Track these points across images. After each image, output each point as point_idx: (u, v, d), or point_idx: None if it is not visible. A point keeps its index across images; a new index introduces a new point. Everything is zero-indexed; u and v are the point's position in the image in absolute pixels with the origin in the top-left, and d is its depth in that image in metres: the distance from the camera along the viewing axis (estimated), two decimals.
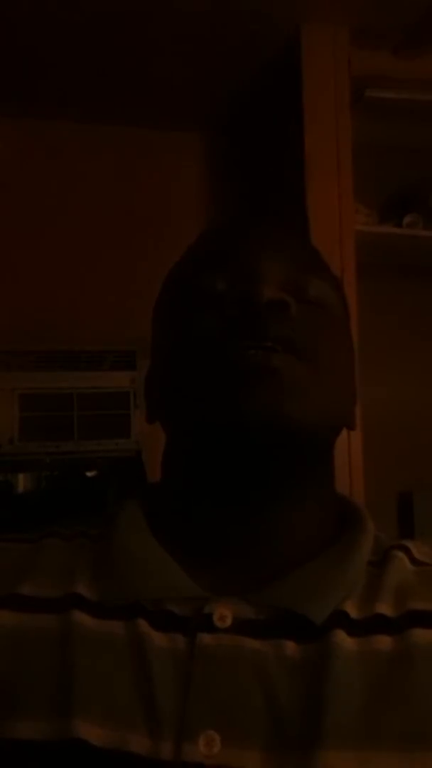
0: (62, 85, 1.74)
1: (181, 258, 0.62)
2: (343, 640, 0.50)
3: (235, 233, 0.60)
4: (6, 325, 1.67)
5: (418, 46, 1.61)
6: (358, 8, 1.52)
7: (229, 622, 0.50)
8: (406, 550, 0.57)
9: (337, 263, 1.48)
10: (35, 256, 1.78)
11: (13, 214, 1.80)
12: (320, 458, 0.57)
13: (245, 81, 1.72)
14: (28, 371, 1.65)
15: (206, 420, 0.52)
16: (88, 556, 0.57)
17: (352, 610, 0.52)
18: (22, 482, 1.69)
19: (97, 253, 1.81)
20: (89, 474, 1.70)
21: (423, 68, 1.65)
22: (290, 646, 0.50)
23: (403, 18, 1.53)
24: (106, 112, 1.85)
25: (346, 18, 1.56)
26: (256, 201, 1.75)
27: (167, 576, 0.53)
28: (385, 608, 0.52)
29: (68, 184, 1.85)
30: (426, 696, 0.48)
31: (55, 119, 1.85)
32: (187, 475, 0.57)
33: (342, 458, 1.42)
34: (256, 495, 0.54)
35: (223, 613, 0.51)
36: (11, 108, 1.81)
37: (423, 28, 1.56)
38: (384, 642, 0.50)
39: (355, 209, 1.59)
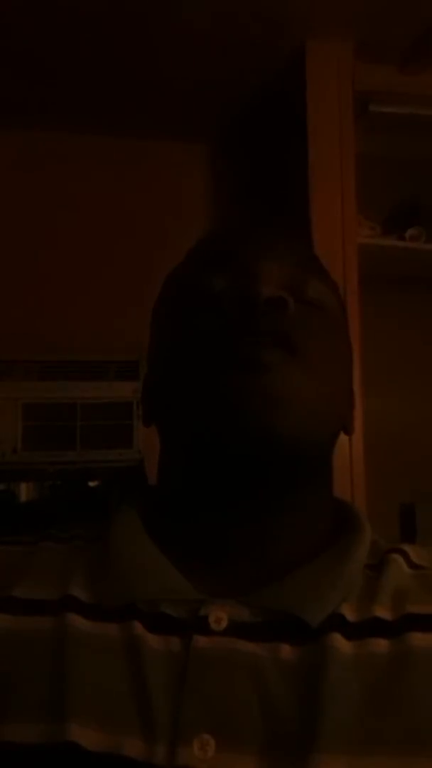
0: (65, 96, 1.75)
1: (181, 259, 0.62)
2: (340, 643, 0.49)
3: (235, 234, 0.59)
4: (9, 334, 1.67)
5: (422, 61, 1.62)
6: (363, 23, 1.53)
7: (224, 624, 0.50)
8: (404, 554, 0.57)
9: (340, 275, 1.48)
10: (39, 266, 1.79)
11: (16, 224, 1.80)
12: (316, 463, 0.56)
13: (250, 94, 1.73)
14: (32, 381, 1.65)
15: (198, 426, 0.52)
16: (84, 558, 0.57)
17: (349, 614, 0.51)
18: (24, 491, 1.69)
19: (101, 263, 1.82)
20: (92, 483, 1.69)
21: (426, 83, 1.66)
22: (286, 649, 0.49)
23: (407, 33, 1.55)
24: (110, 123, 1.86)
25: (350, 33, 1.57)
26: (259, 213, 1.75)
27: (163, 578, 0.53)
28: (382, 611, 0.52)
29: (71, 195, 1.86)
30: (423, 700, 0.48)
31: (58, 130, 1.86)
32: (182, 478, 0.57)
33: (343, 469, 1.42)
34: (251, 500, 0.54)
35: (219, 616, 0.50)
36: (14, 119, 1.82)
37: (427, 43, 1.57)
38: (381, 645, 0.50)
39: (358, 222, 1.59)
